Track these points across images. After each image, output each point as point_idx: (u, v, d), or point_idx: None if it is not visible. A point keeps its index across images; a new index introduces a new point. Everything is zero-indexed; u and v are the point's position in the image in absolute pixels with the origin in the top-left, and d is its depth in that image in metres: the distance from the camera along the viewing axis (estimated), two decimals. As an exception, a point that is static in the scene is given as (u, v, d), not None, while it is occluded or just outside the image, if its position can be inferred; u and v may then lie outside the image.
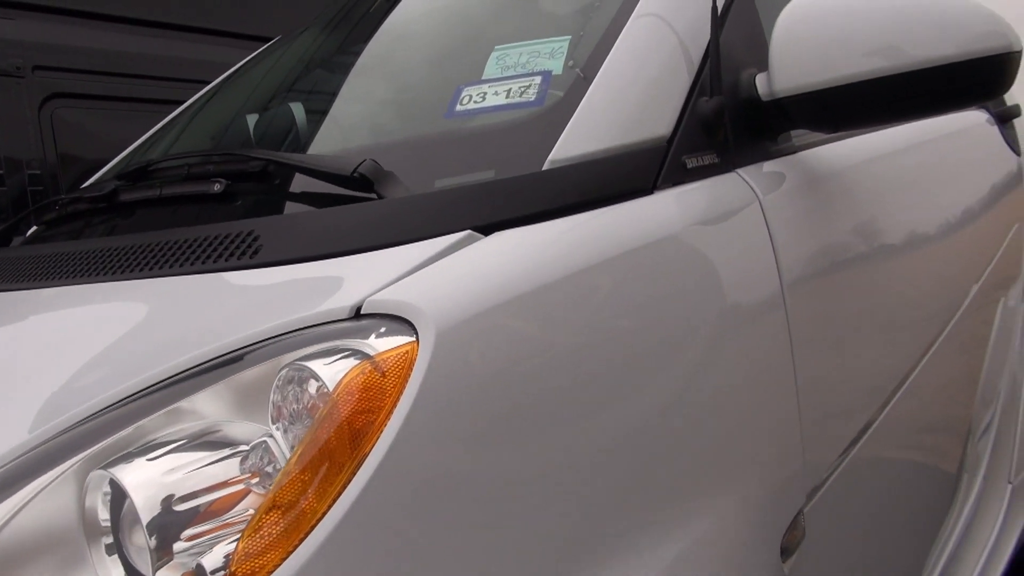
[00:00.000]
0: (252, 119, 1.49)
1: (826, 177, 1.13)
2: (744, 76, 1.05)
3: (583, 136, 0.87)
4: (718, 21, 0.99)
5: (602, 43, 0.99)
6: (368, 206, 0.81)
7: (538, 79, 1.00)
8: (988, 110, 1.98)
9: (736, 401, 0.90)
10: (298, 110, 1.34)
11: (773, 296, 0.95)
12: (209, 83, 1.96)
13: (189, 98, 3.19)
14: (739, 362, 0.91)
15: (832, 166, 1.14)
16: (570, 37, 1.06)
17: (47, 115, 2.80)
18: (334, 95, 1.26)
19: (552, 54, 1.04)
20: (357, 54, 1.35)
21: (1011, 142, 2.04)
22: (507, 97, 0.98)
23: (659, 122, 0.93)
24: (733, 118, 1.01)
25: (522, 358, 0.69)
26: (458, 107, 1.00)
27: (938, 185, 1.52)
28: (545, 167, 0.83)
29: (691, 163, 0.94)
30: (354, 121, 1.15)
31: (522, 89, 0.99)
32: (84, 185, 1.54)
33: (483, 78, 1.05)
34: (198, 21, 3.23)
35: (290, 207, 0.93)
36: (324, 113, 1.25)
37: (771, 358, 0.95)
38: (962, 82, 0.96)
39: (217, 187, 1.02)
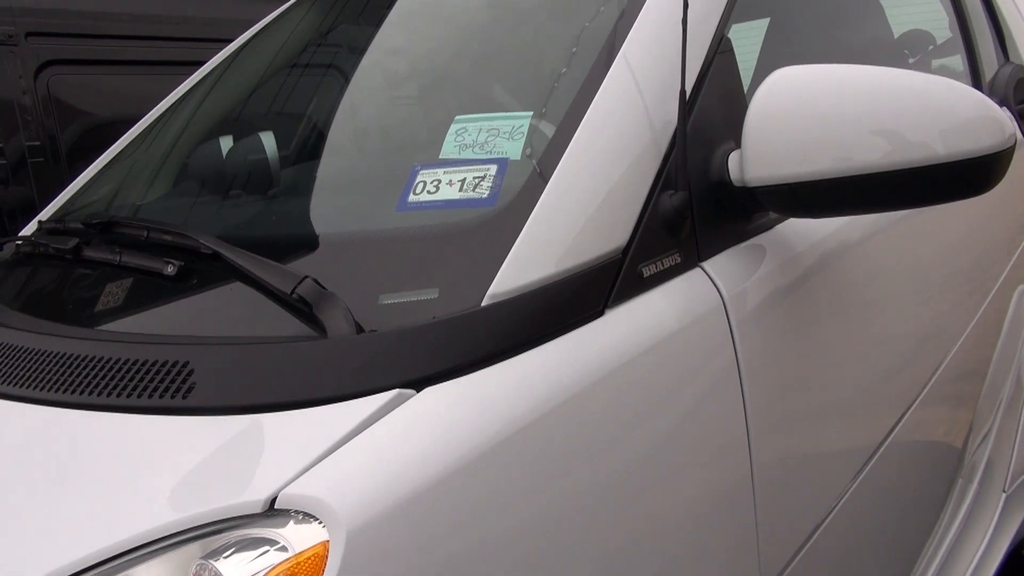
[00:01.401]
0: (225, 144, 1.45)
1: (802, 254, 1.07)
2: (717, 156, 0.98)
3: (530, 261, 0.82)
4: (686, 107, 0.92)
5: (563, 129, 0.93)
6: (300, 351, 0.79)
7: (493, 169, 0.94)
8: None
9: (692, 519, 0.89)
10: (271, 150, 1.31)
11: (734, 407, 0.92)
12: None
13: (183, 57, 3.12)
14: (696, 491, 0.89)
15: (809, 239, 1.08)
16: (532, 114, 0.99)
17: (43, 83, 2.75)
18: (301, 156, 1.22)
19: (512, 134, 0.98)
20: (327, 107, 1.29)
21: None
22: (460, 190, 0.94)
23: (616, 232, 0.87)
24: (701, 207, 0.96)
25: (451, 554, 0.68)
26: (411, 197, 0.95)
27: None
28: (485, 302, 0.79)
29: (648, 271, 0.89)
30: (317, 193, 1.11)
31: (476, 180, 0.94)
32: (53, 210, 1.53)
33: (440, 157, 0.99)
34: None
35: (230, 317, 0.90)
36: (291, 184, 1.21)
37: (728, 481, 0.93)
38: (947, 182, 0.89)
39: (170, 268, 1.00)
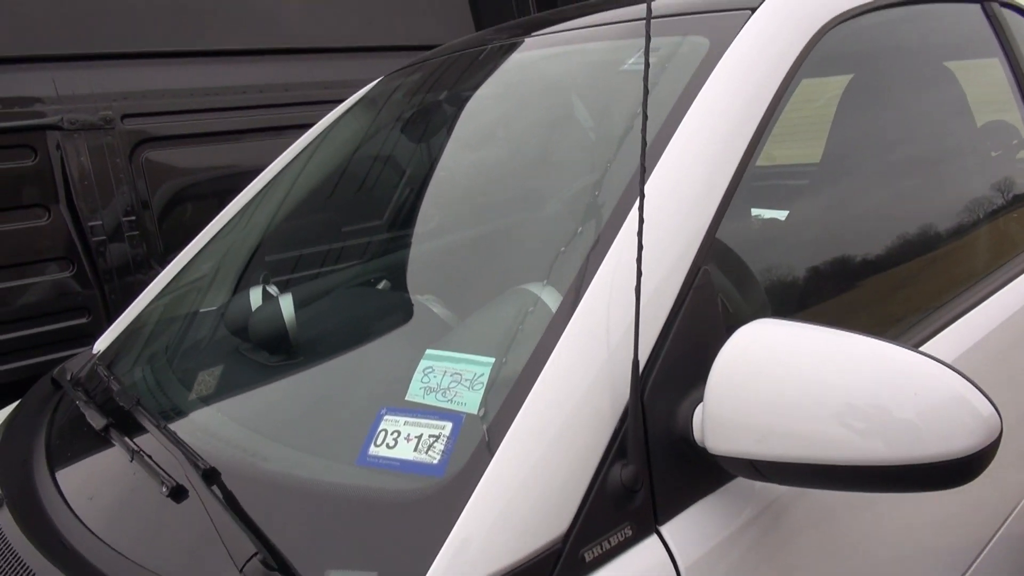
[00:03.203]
0: (254, 297, 1.53)
1: (781, 503, 1.01)
2: (682, 410, 0.95)
3: (462, 557, 0.83)
4: (639, 381, 0.90)
5: (516, 389, 0.92)
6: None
7: (448, 429, 0.95)
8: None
9: None
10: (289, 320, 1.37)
11: None
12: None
13: (270, 124, 3.26)
14: None
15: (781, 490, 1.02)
16: (493, 361, 0.99)
17: (137, 160, 2.95)
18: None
19: (472, 384, 0.98)
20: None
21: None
22: (415, 449, 0.95)
23: (558, 517, 0.86)
24: (660, 469, 0.93)
25: None
26: (372, 449, 0.97)
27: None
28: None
29: (592, 554, 0.87)
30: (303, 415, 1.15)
31: (431, 440, 0.95)
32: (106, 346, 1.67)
33: (406, 399, 1.01)
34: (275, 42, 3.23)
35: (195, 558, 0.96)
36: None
37: None
38: (916, 481, 0.82)
39: (163, 490, 1.08)
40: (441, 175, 1.54)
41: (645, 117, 0.90)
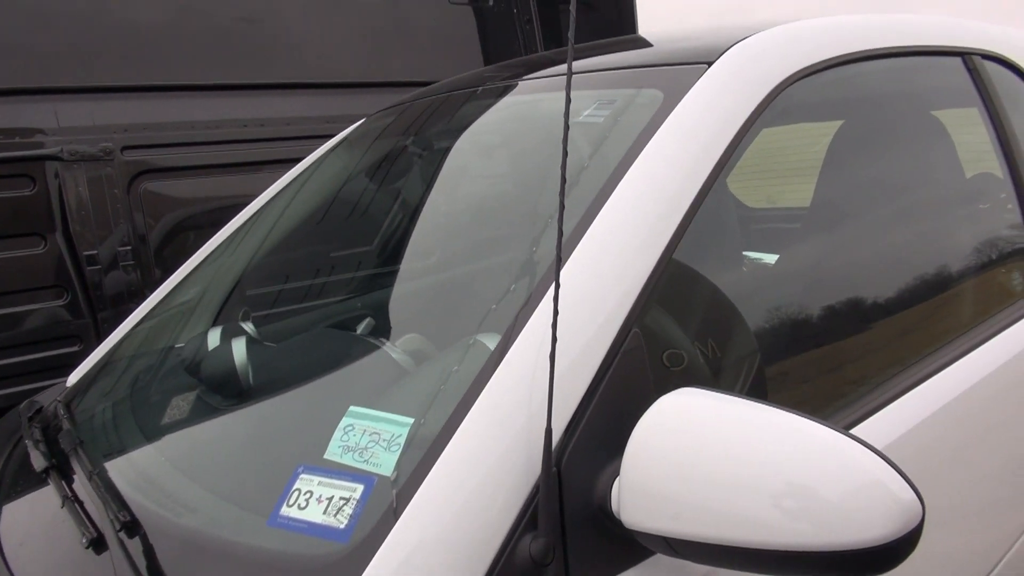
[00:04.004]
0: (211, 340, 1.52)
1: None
2: (601, 480, 0.91)
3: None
4: (553, 449, 0.86)
5: (426, 459, 0.89)
6: None
7: (358, 492, 0.92)
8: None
9: None
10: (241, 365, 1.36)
11: None
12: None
13: (267, 157, 3.29)
14: None
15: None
16: (412, 422, 0.97)
17: (135, 191, 2.98)
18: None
19: (389, 444, 0.96)
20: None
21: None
22: (324, 511, 0.92)
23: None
24: (575, 541, 0.89)
25: None
26: (284, 509, 0.95)
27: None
28: None
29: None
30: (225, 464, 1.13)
31: (341, 503, 0.92)
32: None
33: (324, 457, 0.99)
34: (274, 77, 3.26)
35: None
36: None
37: None
38: (837, 566, 0.78)
39: (84, 541, 1.06)
40: (398, 222, 1.53)
41: (564, 180, 0.88)
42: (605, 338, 0.95)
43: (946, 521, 1.29)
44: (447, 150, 1.54)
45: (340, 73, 3.42)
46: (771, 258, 1.74)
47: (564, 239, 1.02)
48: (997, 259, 1.74)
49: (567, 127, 0.88)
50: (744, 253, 1.68)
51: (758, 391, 1.20)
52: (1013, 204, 1.73)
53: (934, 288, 1.62)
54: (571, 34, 0.86)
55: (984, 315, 1.58)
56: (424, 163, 1.59)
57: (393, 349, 1.30)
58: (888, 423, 1.21)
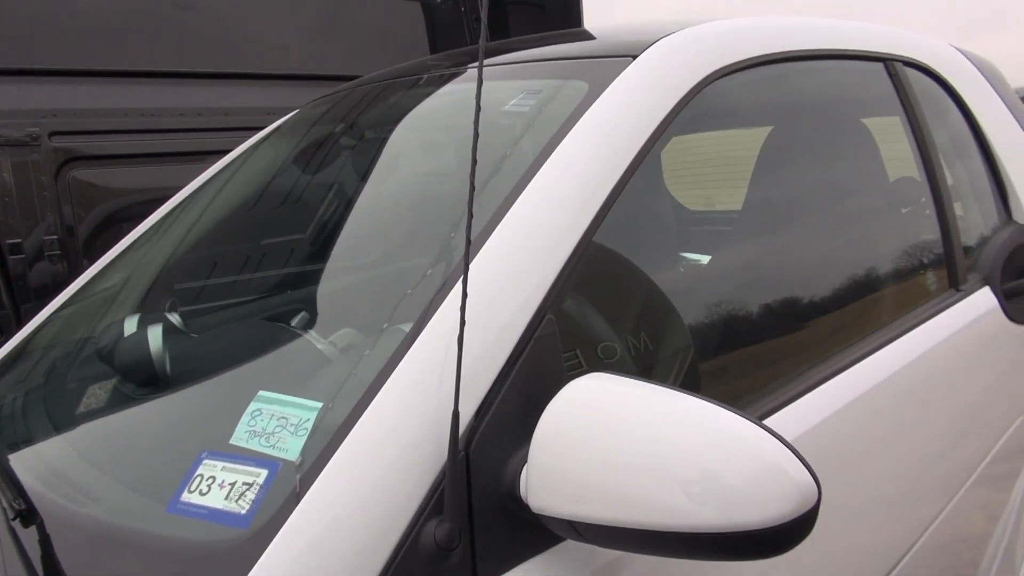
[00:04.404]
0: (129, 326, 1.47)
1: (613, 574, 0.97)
2: (510, 466, 0.90)
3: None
4: (460, 432, 0.85)
5: (332, 443, 0.88)
6: None
7: (262, 477, 0.90)
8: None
9: None
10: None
11: None
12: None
13: (198, 148, 3.22)
14: None
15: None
16: (321, 406, 0.95)
17: (63, 179, 2.88)
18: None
19: (297, 429, 0.94)
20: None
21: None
22: (226, 497, 0.90)
23: (357, 580, 0.81)
24: (482, 527, 0.88)
25: None
26: (184, 495, 0.92)
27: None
28: None
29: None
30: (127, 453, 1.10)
31: (243, 488, 0.90)
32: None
33: (230, 443, 0.96)
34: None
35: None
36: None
37: None
38: (733, 548, 0.79)
39: (10, 513, 1.02)
40: (331, 213, 1.51)
41: (474, 162, 0.87)
42: (518, 323, 0.95)
43: (854, 513, 1.33)
44: (379, 140, 1.53)
45: (282, 65, 3.37)
46: (707, 259, 1.76)
47: (483, 225, 1.02)
48: (915, 260, 1.80)
49: (478, 108, 0.88)
50: (682, 255, 1.70)
51: (691, 384, 1.21)
52: (931, 208, 1.79)
53: (856, 287, 1.66)
54: (483, 14, 0.85)
55: (900, 312, 1.63)
56: (355, 153, 1.57)
57: (318, 339, 1.28)
58: (802, 413, 1.24)
